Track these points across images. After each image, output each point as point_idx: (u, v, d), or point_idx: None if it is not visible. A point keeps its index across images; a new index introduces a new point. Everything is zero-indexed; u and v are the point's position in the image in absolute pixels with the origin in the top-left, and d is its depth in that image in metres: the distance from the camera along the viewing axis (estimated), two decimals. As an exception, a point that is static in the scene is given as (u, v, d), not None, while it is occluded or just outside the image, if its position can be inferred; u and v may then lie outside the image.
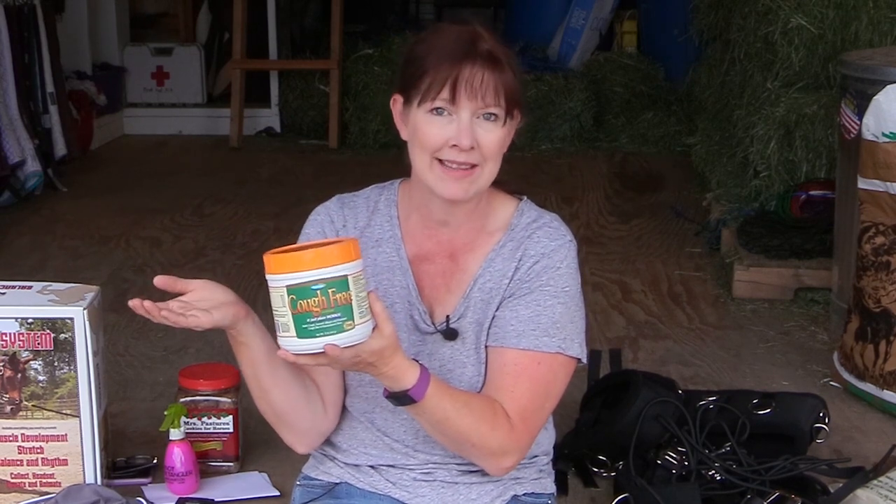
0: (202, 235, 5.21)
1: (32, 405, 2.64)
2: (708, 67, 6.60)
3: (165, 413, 2.81)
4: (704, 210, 5.28)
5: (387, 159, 6.45)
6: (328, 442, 2.20)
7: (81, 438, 2.66)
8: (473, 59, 1.96)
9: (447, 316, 2.08)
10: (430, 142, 1.99)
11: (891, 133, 3.19)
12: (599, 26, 7.90)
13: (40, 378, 2.63)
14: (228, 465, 2.93)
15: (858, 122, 3.37)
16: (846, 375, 3.41)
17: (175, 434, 2.78)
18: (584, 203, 5.84)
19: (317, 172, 6.51)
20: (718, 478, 2.72)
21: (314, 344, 1.80)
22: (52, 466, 2.67)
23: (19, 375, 2.63)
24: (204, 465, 2.86)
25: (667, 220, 5.47)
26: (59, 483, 2.66)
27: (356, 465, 2.17)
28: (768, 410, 2.91)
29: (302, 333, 1.80)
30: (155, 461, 2.89)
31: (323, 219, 2.16)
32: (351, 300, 1.80)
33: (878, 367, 3.27)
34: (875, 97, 3.25)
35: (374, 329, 1.83)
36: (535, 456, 2.21)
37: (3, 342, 2.61)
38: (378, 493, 2.15)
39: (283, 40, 7.75)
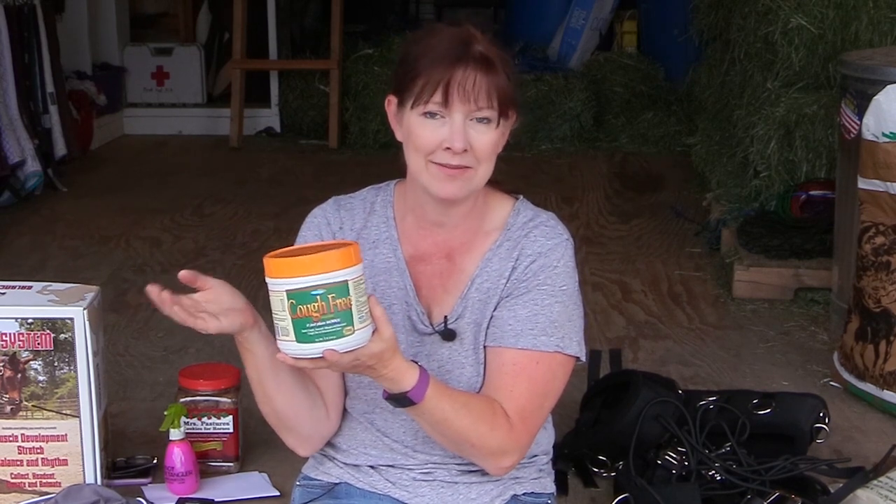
0: (202, 235, 5.21)
1: (32, 405, 2.64)
2: (708, 67, 6.60)
3: (165, 413, 2.81)
4: (704, 210, 5.28)
5: (387, 159, 6.43)
6: (328, 443, 2.20)
7: (81, 438, 2.65)
8: (466, 61, 1.96)
9: (445, 316, 2.09)
10: (423, 144, 2.00)
11: (891, 133, 3.19)
12: (599, 26, 7.90)
13: (40, 378, 2.63)
14: (228, 466, 2.93)
15: (858, 122, 3.37)
16: (846, 375, 3.41)
17: (175, 434, 2.78)
18: (584, 203, 5.84)
19: (317, 172, 6.51)
20: (718, 478, 2.72)
21: (313, 349, 1.80)
22: (52, 466, 2.67)
23: (19, 375, 2.63)
24: (204, 465, 2.86)
25: (667, 220, 5.47)
26: (59, 483, 2.66)
27: (356, 466, 2.17)
28: (768, 410, 2.90)
29: (301, 338, 1.80)
30: (155, 461, 2.89)
31: (320, 221, 2.16)
32: (351, 305, 1.80)
33: (878, 367, 3.27)
34: (875, 97, 3.25)
35: (373, 333, 1.83)
36: (535, 455, 2.21)
37: (3, 342, 2.61)
38: (378, 493, 2.15)
39: (283, 40, 7.75)
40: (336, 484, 2.20)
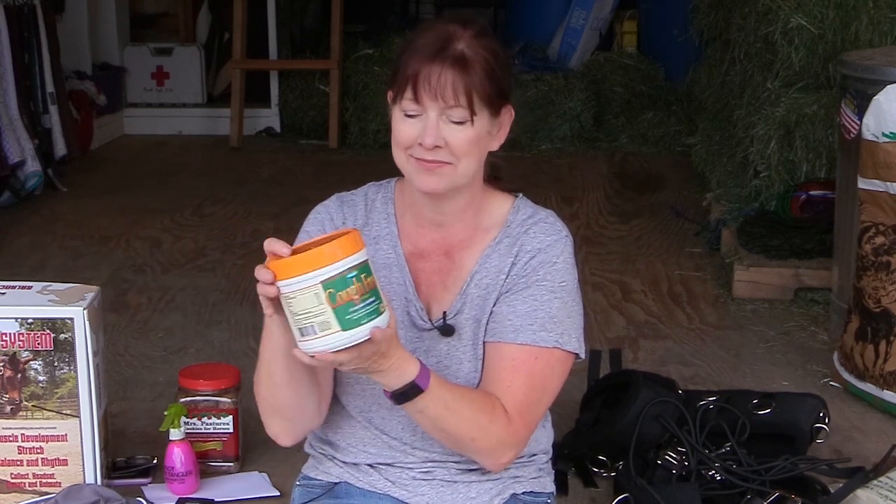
0: (202, 235, 5.21)
1: (32, 405, 2.64)
2: (708, 67, 6.60)
3: (165, 413, 2.81)
4: (704, 210, 5.28)
5: (387, 159, 6.42)
6: (327, 441, 2.20)
7: (81, 438, 2.65)
8: (442, 59, 1.97)
9: (444, 312, 2.09)
10: (401, 139, 2.02)
11: (891, 133, 3.19)
12: (599, 26, 7.90)
13: (40, 378, 2.63)
14: (228, 465, 2.93)
15: (858, 122, 3.37)
16: (846, 375, 3.41)
17: (175, 434, 2.78)
18: (584, 203, 5.84)
19: (317, 172, 6.51)
20: (718, 478, 2.72)
21: (361, 332, 1.78)
22: (52, 466, 2.67)
23: (19, 375, 2.63)
24: (204, 465, 2.86)
25: (667, 220, 5.47)
26: (59, 483, 2.66)
27: (355, 464, 2.17)
28: (768, 410, 2.90)
29: (347, 325, 1.77)
30: (155, 461, 2.89)
31: (323, 217, 2.17)
32: (376, 283, 1.80)
33: (878, 367, 3.27)
34: (875, 97, 3.25)
35: None
36: (535, 455, 2.21)
37: (3, 342, 2.61)
38: (377, 493, 2.15)
39: (283, 40, 7.75)
40: (336, 483, 2.20)
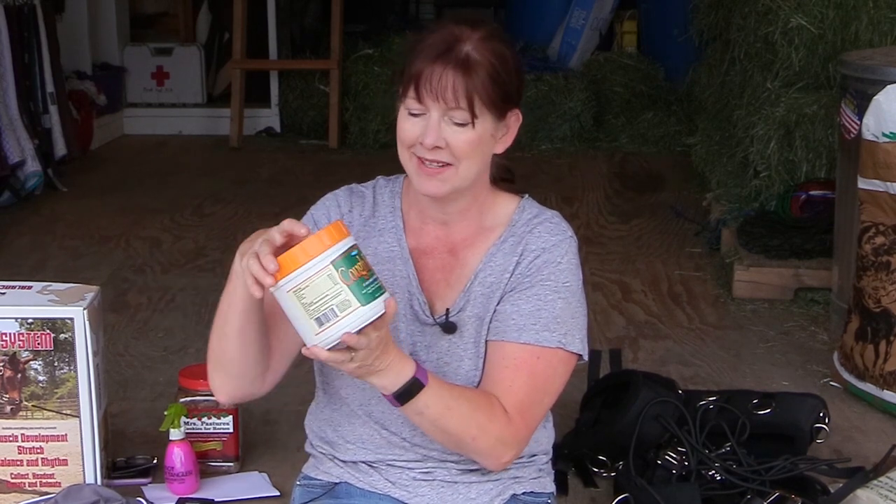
0: (202, 235, 5.21)
1: (32, 405, 2.64)
2: (708, 67, 6.59)
3: (165, 413, 2.81)
4: (704, 210, 5.28)
5: (387, 159, 6.43)
6: (327, 440, 2.20)
7: (81, 438, 2.66)
8: (445, 61, 1.97)
9: (447, 309, 2.09)
10: (404, 137, 2.03)
11: (891, 133, 3.19)
12: (599, 26, 7.90)
13: (40, 378, 2.63)
14: (228, 465, 2.93)
15: (858, 122, 3.37)
16: (846, 375, 3.41)
17: (175, 434, 2.78)
18: (584, 203, 5.84)
19: (317, 172, 6.50)
20: (718, 478, 2.72)
21: (379, 306, 1.79)
22: (52, 466, 2.67)
23: (19, 375, 2.63)
24: (204, 465, 2.86)
25: (667, 220, 5.47)
26: (59, 483, 2.66)
27: (355, 464, 2.17)
28: (768, 410, 2.90)
29: (366, 298, 1.77)
30: (155, 461, 2.89)
31: (330, 203, 2.18)
32: (371, 265, 1.82)
33: (878, 367, 3.27)
34: (875, 97, 3.25)
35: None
36: (535, 455, 2.21)
37: (3, 342, 2.61)
38: (378, 493, 2.15)
39: (283, 40, 7.75)
40: (336, 483, 2.20)
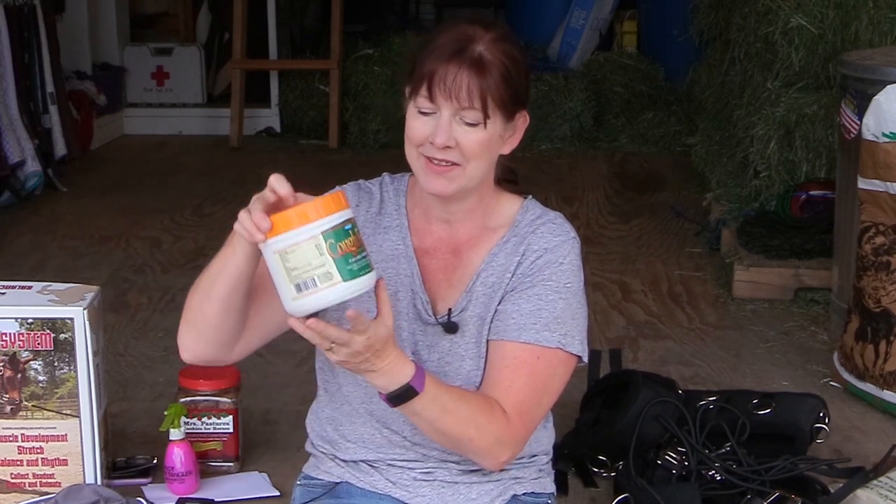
0: (202, 235, 5.20)
1: (32, 405, 2.64)
2: (708, 67, 6.60)
3: (165, 413, 2.81)
4: (704, 210, 5.28)
5: (387, 159, 6.44)
6: (328, 439, 2.20)
7: (81, 438, 2.66)
8: (459, 61, 1.97)
9: (449, 309, 2.09)
10: (413, 136, 2.03)
11: (891, 133, 3.19)
12: (599, 26, 7.90)
13: (40, 378, 2.63)
14: (228, 465, 2.93)
15: (858, 122, 3.37)
16: (846, 375, 3.41)
17: (175, 434, 2.78)
18: (584, 203, 5.84)
19: (317, 172, 6.50)
20: (718, 478, 2.72)
21: (361, 284, 1.76)
22: (52, 466, 2.67)
23: (19, 375, 2.63)
24: (204, 465, 2.86)
25: (667, 220, 5.48)
26: (59, 483, 2.66)
27: (355, 463, 2.17)
28: (768, 410, 2.91)
29: (349, 275, 1.74)
30: (155, 461, 2.89)
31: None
32: (363, 240, 1.80)
33: (878, 367, 3.27)
34: (875, 97, 3.25)
35: (377, 317, 1.84)
36: (535, 455, 2.21)
37: (3, 342, 2.61)
38: (378, 493, 2.15)
39: (283, 40, 7.75)
40: (337, 483, 2.20)
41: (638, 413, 2.83)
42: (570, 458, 2.92)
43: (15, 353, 2.62)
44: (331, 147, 7.15)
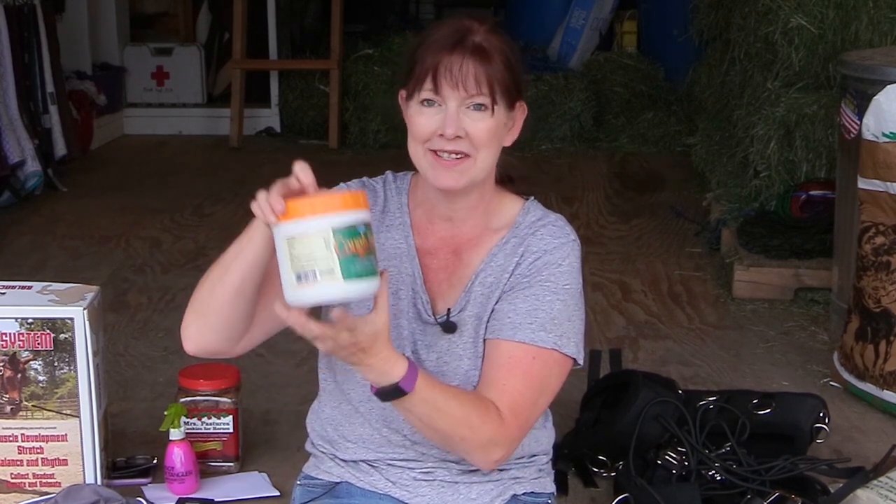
0: (202, 235, 5.21)
1: (32, 405, 2.64)
2: (708, 67, 6.60)
3: (165, 413, 2.81)
4: (704, 210, 5.28)
5: (387, 159, 6.42)
6: (328, 439, 2.20)
7: (81, 438, 2.66)
8: (461, 50, 1.98)
9: (448, 309, 2.09)
10: (419, 132, 2.02)
11: (891, 133, 3.19)
12: (599, 26, 7.90)
13: (40, 378, 2.63)
14: (228, 465, 2.93)
15: (858, 122, 3.37)
16: (846, 375, 3.41)
17: (175, 434, 2.78)
18: (584, 203, 5.84)
19: (317, 172, 6.47)
20: (718, 478, 2.72)
21: (362, 287, 1.73)
22: (52, 466, 2.67)
23: (19, 375, 2.63)
24: (204, 465, 2.86)
25: (667, 220, 5.48)
26: (59, 483, 2.66)
27: (355, 463, 2.17)
28: (768, 410, 2.91)
29: (349, 276, 1.71)
30: (155, 461, 2.89)
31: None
32: (375, 245, 1.77)
33: (878, 367, 3.27)
34: (875, 97, 3.25)
35: (369, 313, 1.83)
36: (535, 455, 2.21)
37: (3, 342, 2.61)
38: (378, 493, 2.15)
39: (283, 40, 7.75)
40: (337, 483, 2.20)
41: (638, 413, 2.83)
42: (570, 458, 2.92)
43: (15, 353, 2.62)
44: (331, 147, 7.15)
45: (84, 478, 2.67)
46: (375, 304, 1.84)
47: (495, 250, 2.11)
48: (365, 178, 2.22)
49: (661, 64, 7.59)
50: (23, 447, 2.66)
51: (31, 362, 2.62)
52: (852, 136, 3.50)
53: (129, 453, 2.94)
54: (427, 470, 2.14)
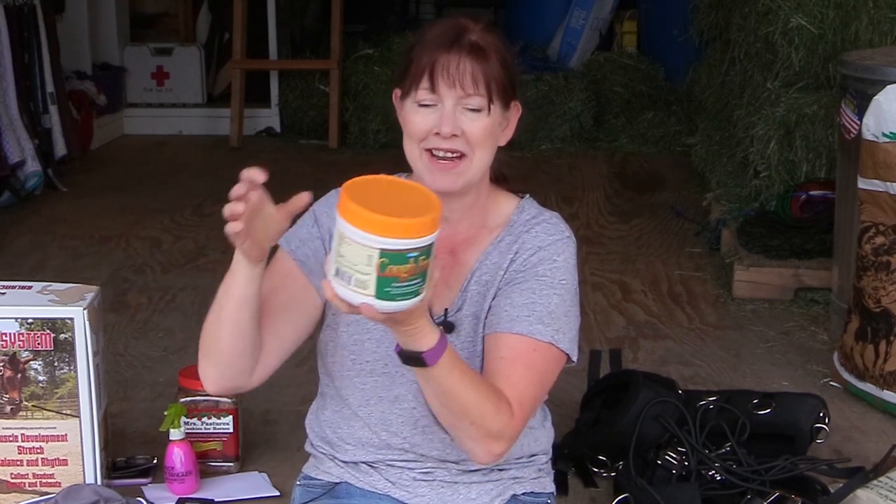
0: (202, 235, 5.21)
1: (32, 405, 2.64)
2: (708, 67, 6.60)
3: (165, 413, 2.81)
4: (704, 210, 5.28)
5: (387, 159, 6.43)
6: (327, 440, 2.20)
7: (81, 438, 2.66)
8: (458, 49, 1.98)
9: (445, 309, 2.09)
10: (415, 131, 2.02)
11: (891, 133, 3.19)
12: (599, 26, 7.91)
13: (40, 378, 2.63)
14: (228, 465, 2.93)
15: (858, 122, 3.37)
16: (846, 375, 3.41)
17: (175, 434, 2.78)
18: (584, 203, 5.84)
19: (317, 172, 6.50)
20: (718, 478, 2.72)
21: (390, 307, 1.73)
22: (52, 466, 2.67)
23: (19, 375, 2.63)
24: (204, 465, 2.86)
25: (667, 220, 5.48)
26: (59, 483, 2.66)
27: (355, 464, 2.17)
28: (768, 410, 2.91)
29: (382, 296, 1.71)
30: (155, 461, 2.89)
31: (334, 200, 2.15)
32: (429, 266, 1.75)
33: (878, 367, 3.27)
34: (875, 97, 3.25)
35: None
36: (535, 455, 2.21)
37: (3, 342, 2.61)
38: (378, 493, 2.15)
39: (283, 40, 7.75)
40: (336, 483, 2.20)
41: (638, 413, 2.83)
42: (570, 458, 2.92)
43: (15, 353, 2.62)
44: (331, 147, 7.15)
45: (84, 478, 2.67)
46: None
47: (490, 249, 2.10)
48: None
49: (661, 64, 7.59)
50: (23, 447, 2.66)
51: (31, 362, 2.62)
52: (852, 136, 3.50)
53: (129, 453, 2.94)
54: (426, 470, 2.14)
